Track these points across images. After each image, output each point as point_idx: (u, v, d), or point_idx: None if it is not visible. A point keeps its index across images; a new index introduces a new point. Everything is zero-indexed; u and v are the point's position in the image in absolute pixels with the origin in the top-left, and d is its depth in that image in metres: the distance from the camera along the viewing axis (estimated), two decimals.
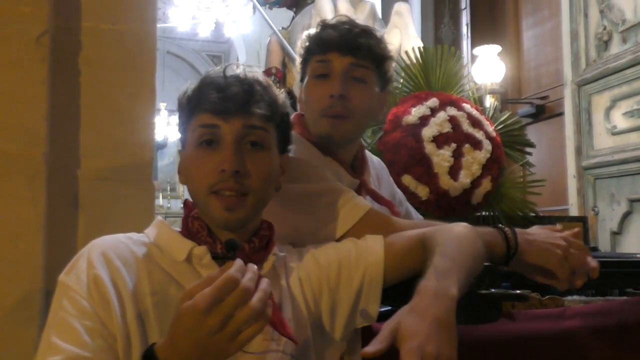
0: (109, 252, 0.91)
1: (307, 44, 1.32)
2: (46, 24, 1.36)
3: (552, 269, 1.13)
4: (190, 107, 0.98)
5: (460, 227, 1.04)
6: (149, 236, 0.99)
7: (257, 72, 1.02)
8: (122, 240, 0.95)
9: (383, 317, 1.27)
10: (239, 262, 0.75)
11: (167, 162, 9.60)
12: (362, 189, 1.32)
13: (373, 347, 0.76)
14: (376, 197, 1.33)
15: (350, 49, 1.25)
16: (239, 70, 0.99)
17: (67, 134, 1.41)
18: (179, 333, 0.74)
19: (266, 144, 0.98)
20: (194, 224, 0.97)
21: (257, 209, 0.98)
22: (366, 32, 1.28)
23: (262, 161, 0.96)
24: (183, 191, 9.51)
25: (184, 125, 1.01)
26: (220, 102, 0.94)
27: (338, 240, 1.14)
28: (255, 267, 0.77)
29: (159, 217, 1.04)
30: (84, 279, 0.88)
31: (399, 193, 1.57)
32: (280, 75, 3.51)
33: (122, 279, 0.89)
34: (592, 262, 1.13)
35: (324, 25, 1.31)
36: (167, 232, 0.99)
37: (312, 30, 1.33)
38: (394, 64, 1.39)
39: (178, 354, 0.75)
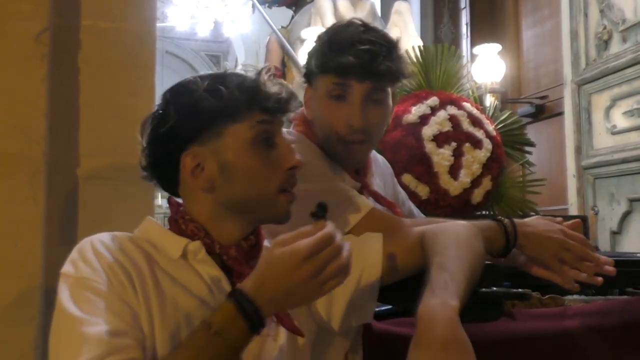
0: (110, 244, 0.91)
1: (321, 58, 1.24)
2: (46, 22, 1.36)
3: (550, 262, 1.14)
4: (246, 109, 0.97)
5: (459, 228, 1.04)
6: (139, 234, 0.98)
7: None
8: (117, 235, 0.94)
9: (383, 316, 1.27)
10: (330, 224, 0.83)
11: None
12: (364, 190, 1.31)
13: None
14: (378, 199, 1.32)
15: (370, 75, 1.21)
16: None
17: (66, 133, 1.40)
18: (271, 274, 0.80)
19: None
20: (188, 226, 0.96)
21: None
22: (387, 56, 1.21)
23: None
24: None
25: (218, 122, 0.96)
26: (277, 104, 0.99)
27: None
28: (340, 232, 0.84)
29: (148, 217, 1.02)
30: (99, 268, 0.87)
31: (402, 193, 1.57)
32: (279, 75, 3.51)
33: (128, 267, 0.89)
34: (601, 258, 1.13)
35: (340, 40, 1.22)
36: (158, 230, 0.98)
37: (325, 38, 1.26)
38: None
39: (267, 293, 0.80)
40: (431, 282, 0.88)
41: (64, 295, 0.85)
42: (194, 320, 0.88)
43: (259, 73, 0.97)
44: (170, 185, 1.00)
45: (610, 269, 1.14)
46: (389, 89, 1.26)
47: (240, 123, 0.94)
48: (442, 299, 0.83)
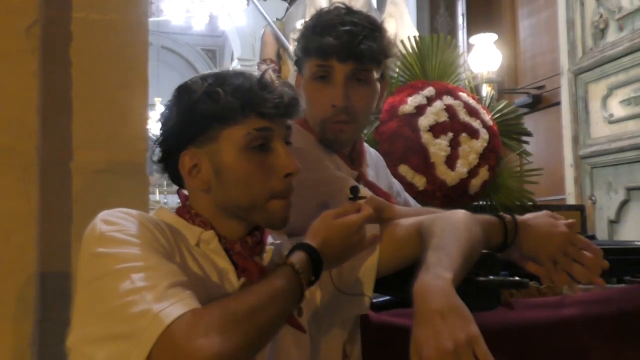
0: (138, 214, 0.89)
1: (304, 42, 1.27)
2: (36, 15, 1.34)
3: (545, 263, 1.14)
4: (242, 107, 0.96)
5: (459, 214, 1.04)
6: (159, 218, 0.96)
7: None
8: (140, 212, 0.92)
9: (382, 307, 1.27)
10: (365, 205, 1.00)
11: None
12: (361, 180, 1.31)
13: None
14: (374, 189, 1.32)
15: (352, 56, 1.22)
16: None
17: (59, 126, 1.39)
18: (333, 238, 0.95)
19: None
20: (195, 220, 0.97)
21: None
22: (369, 36, 1.23)
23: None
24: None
25: (219, 122, 0.95)
26: (276, 106, 0.96)
27: None
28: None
29: (161, 206, 1.04)
30: (140, 225, 0.85)
31: (397, 184, 1.57)
32: (275, 68, 3.49)
33: (160, 235, 0.88)
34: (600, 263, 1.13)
35: (322, 23, 1.25)
36: (174, 217, 0.98)
37: (309, 23, 1.28)
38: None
39: (329, 251, 0.94)
40: (426, 262, 0.90)
41: (112, 255, 0.81)
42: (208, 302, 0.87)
43: (262, 75, 0.95)
44: (177, 181, 1.01)
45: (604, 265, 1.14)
46: (374, 71, 1.27)
47: (235, 128, 0.93)
48: (434, 273, 0.85)
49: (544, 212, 1.21)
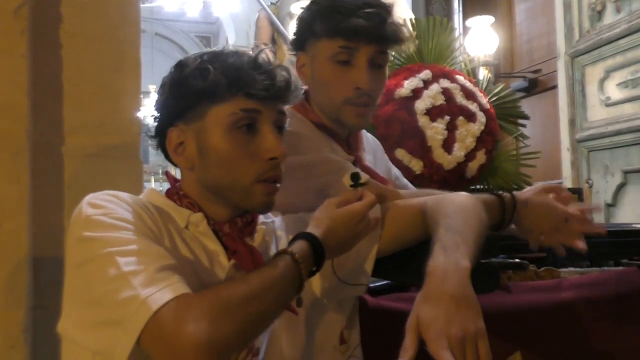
0: (127, 197, 0.88)
1: (327, 22, 1.22)
2: None
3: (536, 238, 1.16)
4: (230, 89, 0.92)
5: (463, 197, 1.03)
6: (147, 200, 0.95)
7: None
8: (128, 194, 0.91)
9: (379, 292, 1.26)
10: (367, 191, 1.01)
11: None
12: (357, 165, 1.30)
13: (404, 358, 0.75)
14: (371, 174, 1.31)
15: (378, 37, 1.21)
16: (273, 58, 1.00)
17: (50, 110, 1.37)
18: (337, 226, 0.96)
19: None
20: (182, 201, 0.95)
21: None
22: (394, 22, 1.24)
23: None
24: (175, 174, 9.46)
25: (208, 106, 0.93)
26: (267, 88, 0.93)
27: None
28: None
29: (151, 187, 1.02)
30: (129, 208, 0.84)
31: (395, 169, 1.56)
32: (270, 52, 3.47)
33: (146, 218, 0.87)
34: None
35: (345, 4, 1.21)
36: (163, 199, 0.96)
37: (326, 3, 1.24)
38: None
39: (333, 240, 0.94)
40: (441, 241, 0.88)
41: (99, 239, 0.79)
42: (197, 288, 0.86)
43: (257, 55, 0.93)
44: (170, 159, 0.98)
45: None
46: (389, 56, 1.27)
47: (222, 106, 0.91)
48: (455, 258, 0.84)
49: (542, 186, 1.21)
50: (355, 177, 1.02)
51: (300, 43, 1.29)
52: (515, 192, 1.17)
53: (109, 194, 0.87)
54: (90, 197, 0.86)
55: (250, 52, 0.95)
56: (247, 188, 0.92)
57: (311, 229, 0.93)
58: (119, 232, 0.80)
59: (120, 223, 0.81)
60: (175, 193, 0.96)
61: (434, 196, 1.06)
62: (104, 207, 0.83)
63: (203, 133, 0.92)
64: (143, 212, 0.86)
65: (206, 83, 0.90)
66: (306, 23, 1.27)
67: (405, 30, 1.28)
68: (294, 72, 0.98)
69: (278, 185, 0.94)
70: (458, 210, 0.97)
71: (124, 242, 0.79)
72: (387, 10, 1.23)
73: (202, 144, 0.92)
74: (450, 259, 0.83)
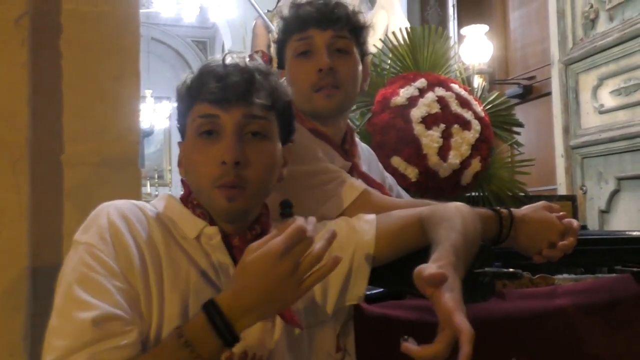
0: (128, 214, 0.90)
1: (283, 24, 1.31)
2: (25, 6, 1.32)
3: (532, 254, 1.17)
4: (190, 97, 0.95)
5: (460, 206, 1.04)
6: (158, 208, 0.97)
7: (257, 61, 1.00)
8: (136, 204, 0.94)
9: (375, 299, 1.27)
10: (299, 218, 0.80)
11: (153, 150, 9.54)
12: (354, 171, 1.31)
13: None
14: (367, 181, 1.32)
15: (330, 22, 1.25)
16: (238, 59, 0.96)
17: (49, 118, 1.38)
18: (246, 282, 0.78)
19: (268, 133, 0.95)
20: (195, 211, 0.96)
21: (258, 199, 0.96)
22: (341, 4, 1.28)
23: (264, 151, 0.94)
24: (171, 179, 9.47)
25: (183, 116, 0.98)
26: (220, 91, 0.91)
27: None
28: (314, 219, 0.82)
29: (168, 193, 1.05)
30: (109, 239, 0.86)
31: (390, 177, 1.57)
32: (266, 59, 3.48)
33: (142, 242, 0.88)
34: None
35: (297, 3, 1.30)
36: (178, 207, 0.97)
37: (285, 12, 1.32)
38: (369, 34, 1.38)
39: (242, 304, 0.79)
40: (449, 239, 0.89)
41: (70, 264, 0.86)
42: (203, 300, 0.88)
43: (222, 62, 0.95)
44: None
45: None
46: (354, 44, 1.30)
47: (189, 115, 0.95)
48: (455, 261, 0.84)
49: (542, 203, 1.21)
50: (283, 205, 0.89)
51: (280, 61, 1.35)
52: (512, 209, 1.18)
53: (109, 213, 0.89)
54: (92, 214, 0.91)
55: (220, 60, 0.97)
56: (208, 194, 0.93)
57: (224, 292, 0.82)
58: (82, 279, 0.83)
59: (96, 265, 0.84)
60: (189, 202, 0.97)
61: (431, 206, 1.07)
62: (87, 236, 0.87)
63: (185, 142, 0.98)
64: (133, 233, 0.88)
65: (178, 95, 0.97)
66: (276, 41, 1.35)
67: (360, 16, 1.32)
68: (266, 71, 0.97)
69: (241, 189, 0.91)
70: (457, 216, 0.99)
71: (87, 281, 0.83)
72: (339, 1, 1.29)
73: (182, 152, 0.98)
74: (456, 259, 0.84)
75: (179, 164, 0.99)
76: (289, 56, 1.30)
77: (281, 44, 1.32)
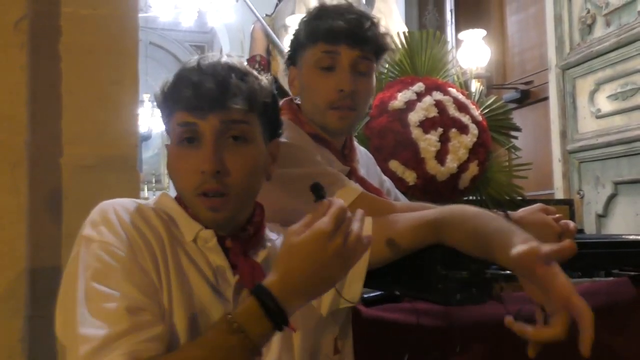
0: (133, 211, 0.90)
1: (310, 28, 1.28)
2: (24, 10, 1.32)
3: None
4: (167, 105, 0.94)
5: (470, 207, 1.04)
6: (157, 206, 0.97)
7: (233, 60, 0.95)
8: (139, 202, 0.93)
9: (373, 302, 1.27)
10: (335, 199, 0.84)
11: (151, 154, 9.53)
12: (352, 176, 1.31)
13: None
14: (365, 185, 1.32)
15: (359, 41, 1.24)
16: (214, 60, 0.93)
17: (48, 121, 1.37)
18: (297, 264, 0.79)
19: (249, 136, 0.93)
20: (188, 211, 0.96)
21: (243, 203, 0.95)
22: (374, 24, 1.27)
23: (245, 155, 0.92)
24: (168, 183, 9.47)
25: (166, 123, 0.97)
26: (195, 99, 0.89)
27: None
28: (342, 200, 0.84)
29: (164, 192, 1.03)
30: (123, 236, 0.85)
31: (387, 181, 1.58)
32: (264, 63, 3.49)
33: (152, 238, 0.88)
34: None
35: (328, 11, 1.27)
36: (176, 208, 0.96)
37: (313, 12, 1.30)
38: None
39: (293, 287, 0.80)
40: (503, 228, 0.90)
41: (84, 262, 0.84)
42: (205, 303, 0.89)
43: (197, 65, 0.92)
44: None
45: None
46: (374, 64, 1.30)
47: (171, 124, 0.94)
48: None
49: (538, 205, 1.22)
50: (316, 188, 0.86)
51: (292, 58, 1.34)
52: (509, 212, 1.19)
53: (114, 211, 0.88)
54: (97, 213, 0.89)
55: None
56: (192, 202, 0.92)
57: (270, 275, 0.81)
58: (100, 276, 0.82)
59: (113, 265, 0.83)
60: (182, 202, 0.97)
61: (438, 209, 1.06)
62: (102, 236, 0.85)
63: (169, 148, 0.96)
64: (144, 232, 0.88)
65: (159, 101, 0.96)
66: (295, 36, 1.32)
67: (388, 39, 1.32)
68: (243, 71, 0.94)
69: (224, 197, 0.90)
70: (476, 209, 1.00)
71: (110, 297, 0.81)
72: (367, 17, 1.27)
73: (167, 158, 0.97)
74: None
75: (167, 167, 0.97)
76: (308, 62, 1.28)
77: (302, 45, 1.29)
